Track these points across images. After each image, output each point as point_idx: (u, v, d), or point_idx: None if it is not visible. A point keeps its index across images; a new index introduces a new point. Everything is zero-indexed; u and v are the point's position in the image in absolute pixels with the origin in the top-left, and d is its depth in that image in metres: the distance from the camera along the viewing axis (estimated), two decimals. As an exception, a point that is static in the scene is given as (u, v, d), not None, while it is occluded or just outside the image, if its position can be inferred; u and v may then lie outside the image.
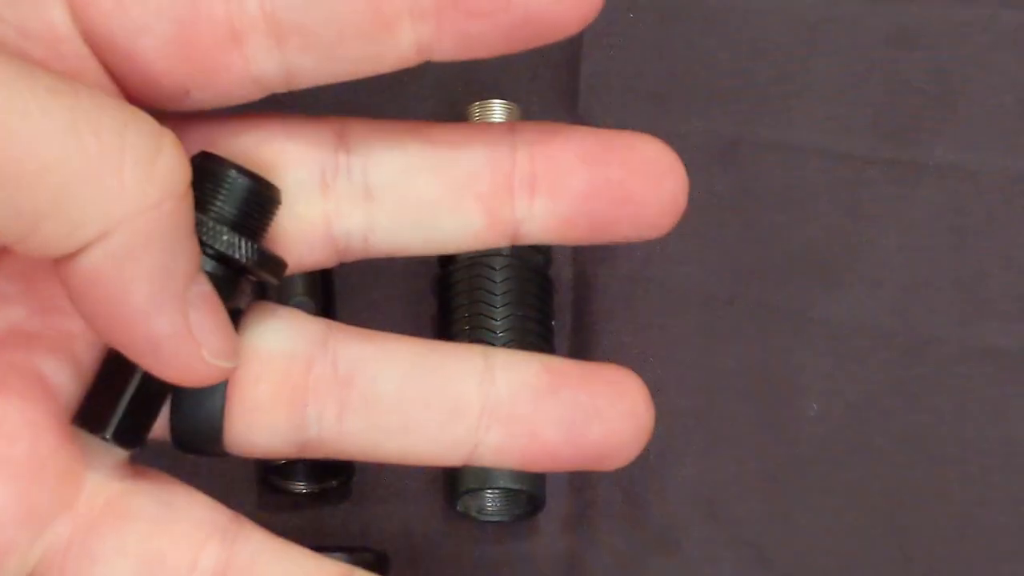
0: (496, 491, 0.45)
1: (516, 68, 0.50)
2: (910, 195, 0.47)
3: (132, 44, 0.28)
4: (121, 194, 0.26)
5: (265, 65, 0.28)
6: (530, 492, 0.45)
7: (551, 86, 0.50)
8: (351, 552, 0.42)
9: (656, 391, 0.46)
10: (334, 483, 0.46)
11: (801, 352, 0.47)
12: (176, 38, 0.28)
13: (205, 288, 0.28)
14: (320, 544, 0.33)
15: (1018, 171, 0.46)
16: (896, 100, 0.47)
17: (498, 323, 0.45)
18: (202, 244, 0.28)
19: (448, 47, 0.28)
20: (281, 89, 0.29)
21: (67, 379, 0.29)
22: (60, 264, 0.27)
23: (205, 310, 0.28)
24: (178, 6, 0.28)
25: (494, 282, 0.45)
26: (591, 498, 0.46)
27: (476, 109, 0.48)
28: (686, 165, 0.49)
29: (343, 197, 0.30)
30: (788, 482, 0.46)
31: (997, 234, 0.46)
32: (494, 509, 0.46)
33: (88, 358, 0.30)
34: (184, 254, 0.27)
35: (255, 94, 0.29)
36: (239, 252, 0.28)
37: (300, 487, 0.46)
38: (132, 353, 0.28)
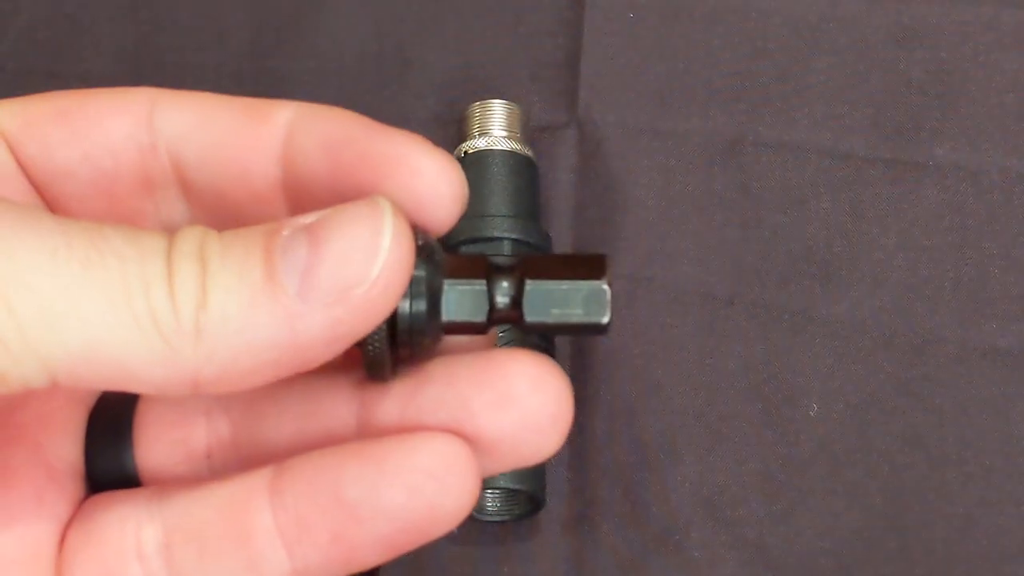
0: (496, 491, 0.45)
1: (516, 68, 0.50)
2: (910, 195, 0.47)
3: (59, 186, 0.30)
4: (174, 356, 0.27)
5: (172, 217, 0.30)
6: (530, 492, 0.45)
7: (551, 86, 0.50)
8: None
9: (656, 391, 0.47)
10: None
11: (801, 352, 0.47)
12: (96, 184, 0.30)
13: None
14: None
15: (1018, 171, 0.46)
16: (897, 100, 0.47)
17: (498, 323, 0.45)
18: None
19: None
20: None
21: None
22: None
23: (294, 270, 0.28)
24: (99, 155, 0.29)
25: (494, 282, 0.45)
26: (591, 498, 0.46)
27: (476, 109, 0.48)
28: (686, 165, 0.49)
29: None
30: (788, 482, 0.46)
31: (997, 234, 0.46)
32: (494, 509, 0.46)
33: (48, 438, 0.32)
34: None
35: None
36: None
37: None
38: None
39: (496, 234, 0.46)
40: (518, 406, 0.28)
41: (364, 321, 0.27)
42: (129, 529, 0.30)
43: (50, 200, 0.30)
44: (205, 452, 0.32)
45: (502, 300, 0.28)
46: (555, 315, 0.28)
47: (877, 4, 0.47)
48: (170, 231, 0.29)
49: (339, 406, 0.30)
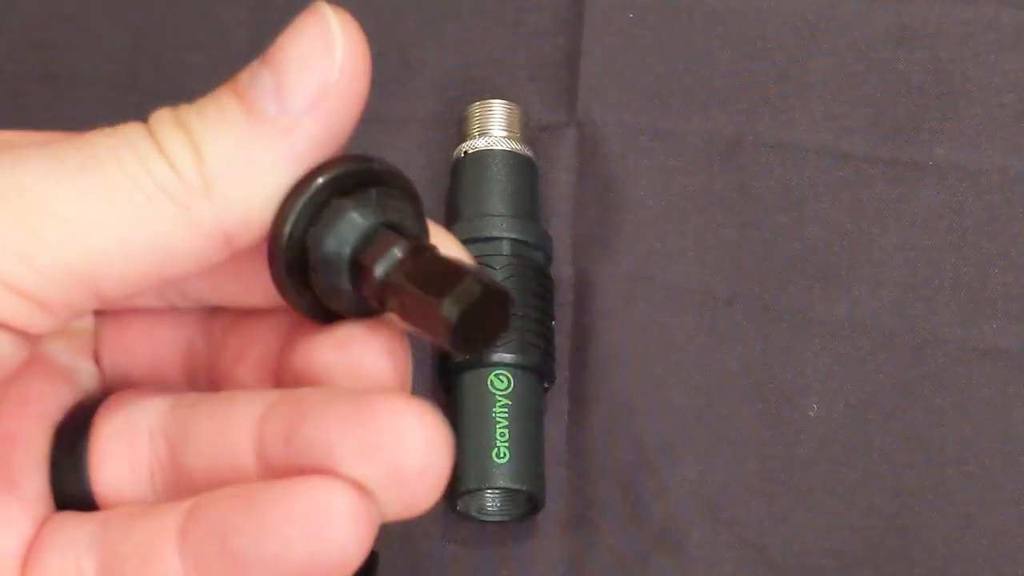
0: (496, 491, 0.45)
1: (516, 68, 0.50)
2: (910, 195, 0.47)
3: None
4: (200, 218, 0.29)
5: None
6: (530, 492, 0.45)
7: (551, 86, 0.50)
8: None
9: (655, 391, 0.47)
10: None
11: (801, 352, 0.46)
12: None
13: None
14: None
15: (1018, 171, 0.46)
16: (896, 100, 0.47)
17: (498, 323, 0.44)
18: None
19: None
20: None
21: None
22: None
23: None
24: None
25: (494, 281, 0.45)
26: (591, 498, 0.46)
27: (476, 109, 0.48)
28: (686, 165, 0.49)
29: None
30: (788, 482, 0.46)
31: (997, 234, 0.46)
32: (494, 509, 0.46)
33: (12, 454, 0.32)
34: None
35: None
36: None
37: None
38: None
39: (495, 234, 0.46)
40: (383, 455, 0.28)
41: (348, 107, 0.29)
42: (70, 559, 0.30)
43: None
44: (149, 472, 0.32)
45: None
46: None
47: (877, 4, 0.48)
48: None
49: (242, 439, 0.30)
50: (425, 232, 0.32)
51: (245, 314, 0.34)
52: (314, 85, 0.29)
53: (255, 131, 0.29)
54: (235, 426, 0.30)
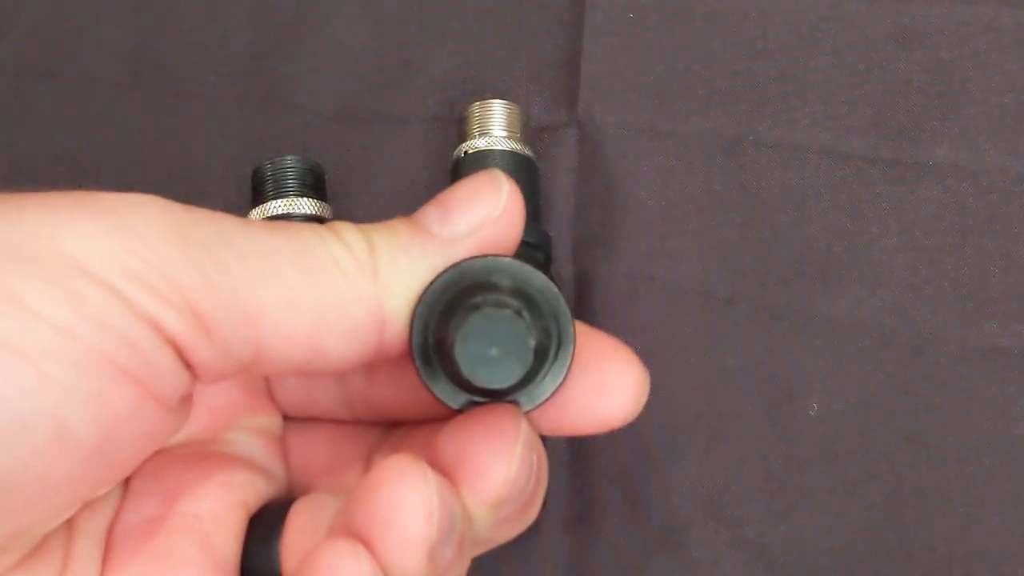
0: (496, 491, 0.45)
1: (516, 68, 0.51)
2: (910, 195, 0.47)
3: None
4: (360, 294, 0.34)
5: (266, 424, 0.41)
6: (530, 492, 0.45)
7: (551, 86, 0.50)
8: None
9: (656, 391, 0.47)
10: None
11: (801, 352, 0.47)
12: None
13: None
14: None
15: (1018, 171, 0.46)
16: (896, 100, 0.47)
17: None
18: None
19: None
20: None
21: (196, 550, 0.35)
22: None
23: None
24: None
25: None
26: (591, 498, 0.46)
27: (476, 109, 0.48)
28: (686, 165, 0.49)
29: None
30: (789, 481, 0.46)
31: (997, 234, 0.46)
32: (494, 509, 0.46)
33: (216, 533, 0.36)
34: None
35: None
36: None
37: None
38: None
39: (496, 234, 0.46)
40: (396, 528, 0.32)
41: (504, 239, 0.35)
42: None
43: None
44: None
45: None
46: None
47: (877, 4, 0.47)
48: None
49: None
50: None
51: (415, 426, 0.39)
52: (478, 215, 0.34)
53: (419, 241, 0.34)
54: None
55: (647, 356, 0.47)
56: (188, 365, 0.32)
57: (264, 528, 0.37)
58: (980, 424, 0.45)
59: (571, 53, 0.50)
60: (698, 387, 0.47)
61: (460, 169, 0.48)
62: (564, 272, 0.48)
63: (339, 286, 0.33)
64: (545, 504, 0.46)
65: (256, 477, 0.39)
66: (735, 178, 0.48)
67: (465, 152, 0.48)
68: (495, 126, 0.48)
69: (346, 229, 0.34)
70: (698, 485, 0.46)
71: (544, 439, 0.46)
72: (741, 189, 0.48)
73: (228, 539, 0.36)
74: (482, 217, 0.35)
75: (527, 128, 0.49)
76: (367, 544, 0.31)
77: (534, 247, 0.47)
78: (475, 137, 0.48)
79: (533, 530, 0.46)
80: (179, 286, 0.31)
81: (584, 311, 0.48)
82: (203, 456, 0.38)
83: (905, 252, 0.47)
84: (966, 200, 0.46)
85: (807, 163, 0.48)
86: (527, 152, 0.48)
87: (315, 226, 0.34)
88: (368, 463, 0.40)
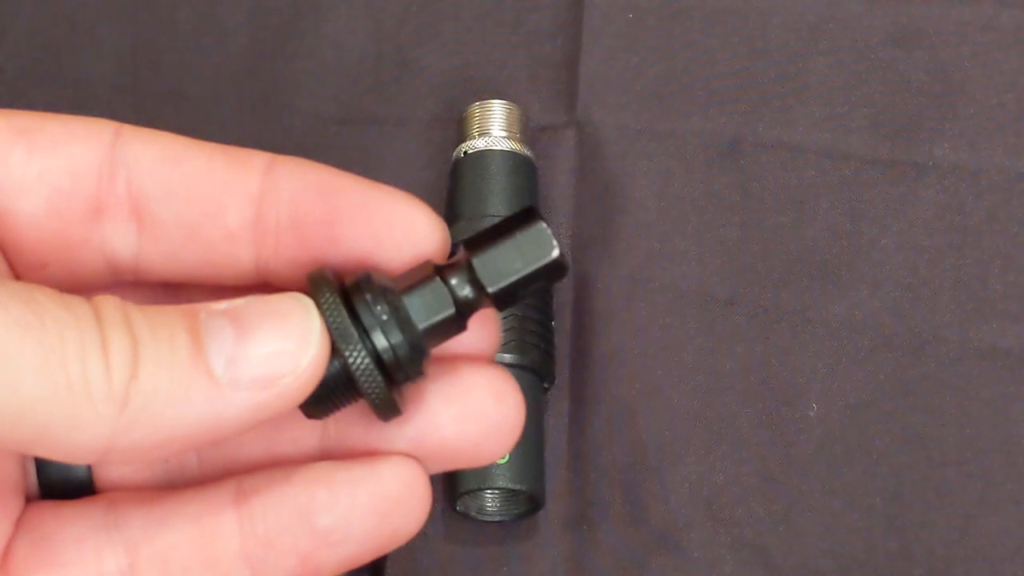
0: (496, 491, 0.45)
1: (515, 69, 0.51)
2: (910, 195, 0.47)
3: (12, 202, 0.29)
4: (97, 423, 0.27)
5: (119, 247, 0.30)
6: (530, 492, 0.45)
7: (551, 86, 0.50)
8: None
9: (655, 391, 0.47)
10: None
11: (801, 352, 0.46)
12: (50, 204, 0.29)
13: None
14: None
15: (1018, 171, 0.46)
16: (896, 100, 0.47)
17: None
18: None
19: (285, 272, 0.30)
20: (128, 277, 0.30)
21: None
22: None
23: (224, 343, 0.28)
24: (57, 175, 0.29)
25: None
26: (591, 498, 0.46)
27: (476, 109, 0.48)
28: (685, 166, 0.49)
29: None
30: (788, 482, 0.46)
31: (997, 234, 0.46)
32: (494, 509, 0.46)
33: None
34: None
35: (104, 278, 0.30)
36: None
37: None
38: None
39: (495, 234, 0.46)
40: (483, 418, 0.30)
41: (287, 404, 0.28)
42: (88, 552, 0.30)
43: (2, 214, 0.30)
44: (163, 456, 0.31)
45: (460, 286, 0.28)
46: (512, 272, 0.28)
47: (876, 4, 0.48)
48: (112, 262, 0.30)
49: (303, 424, 0.30)
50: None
51: None
52: (271, 373, 0.28)
53: (195, 379, 0.27)
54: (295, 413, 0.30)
55: (646, 357, 0.47)
56: None
57: None
58: (979, 425, 0.45)
59: (570, 54, 0.50)
60: (697, 388, 0.47)
61: (460, 169, 0.48)
62: (563, 272, 0.48)
63: (79, 411, 0.27)
64: (545, 504, 0.46)
65: None
66: (734, 179, 0.48)
67: (465, 152, 0.48)
68: (494, 126, 0.48)
69: (117, 335, 0.27)
70: (697, 486, 0.46)
71: (544, 439, 0.46)
72: (740, 190, 0.48)
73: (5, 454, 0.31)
74: (274, 372, 0.28)
75: (527, 128, 0.49)
76: None
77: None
78: (474, 137, 0.48)
79: (533, 530, 0.46)
80: None
81: (583, 312, 0.48)
82: None
83: (904, 252, 0.47)
84: (966, 200, 0.46)
85: (806, 163, 0.48)
86: (526, 152, 0.48)
87: (82, 319, 0.27)
88: None
